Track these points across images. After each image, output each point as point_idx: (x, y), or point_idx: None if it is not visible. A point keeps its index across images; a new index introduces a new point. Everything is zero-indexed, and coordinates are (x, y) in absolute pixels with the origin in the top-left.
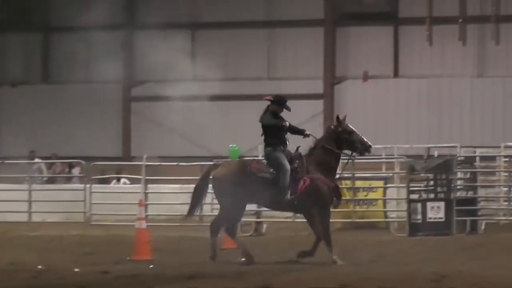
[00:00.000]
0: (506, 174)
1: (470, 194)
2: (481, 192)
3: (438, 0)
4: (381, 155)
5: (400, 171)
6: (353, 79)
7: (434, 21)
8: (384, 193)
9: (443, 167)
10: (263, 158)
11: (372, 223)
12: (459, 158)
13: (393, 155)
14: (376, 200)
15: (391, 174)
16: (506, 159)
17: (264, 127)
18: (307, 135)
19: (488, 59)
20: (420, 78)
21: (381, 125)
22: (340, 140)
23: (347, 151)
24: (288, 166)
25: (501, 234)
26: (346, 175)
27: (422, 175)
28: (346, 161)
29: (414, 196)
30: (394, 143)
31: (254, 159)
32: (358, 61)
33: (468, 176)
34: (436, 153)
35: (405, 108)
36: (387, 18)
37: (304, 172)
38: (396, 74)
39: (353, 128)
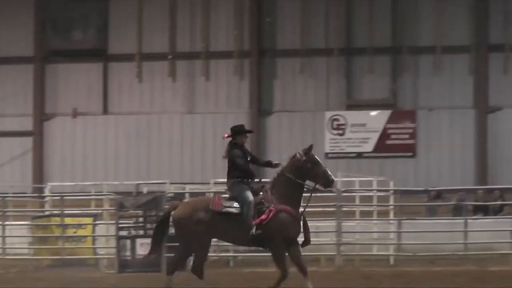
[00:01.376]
0: None
1: None
2: None
3: (148, 37)
4: (90, 192)
5: (109, 208)
6: (63, 116)
7: (144, 57)
8: (94, 230)
9: (153, 204)
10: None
11: (82, 260)
12: (168, 195)
13: (102, 192)
14: (86, 237)
15: (100, 211)
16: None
17: (228, 160)
18: (277, 165)
19: (198, 95)
20: (129, 115)
21: (91, 162)
22: (303, 170)
23: (310, 183)
24: (251, 198)
25: (209, 270)
26: (55, 211)
27: (131, 211)
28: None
29: (124, 233)
30: (103, 180)
31: (216, 195)
32: (67, 98)
33: None
34: (145, 190)
35: (115, 144)
36: (97, 55)
37: (269, 204)
38: (105, 110)
39: (319, 160)
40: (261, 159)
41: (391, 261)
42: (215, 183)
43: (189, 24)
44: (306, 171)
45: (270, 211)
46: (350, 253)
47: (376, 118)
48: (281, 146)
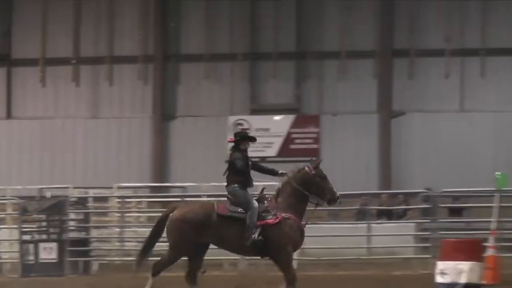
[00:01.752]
0: (119, 214)
1: (83, 234)
2: (94, 233)
3: (52, 41)
4: None
5: (13, 212)
6: None
7: (48, 62)
8: None
9: (56, 208)
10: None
11: None
12: (71, 199)
13: (5, 196)
14: None
15: (3, 215)
16: (119, 200)
17: (229, 164)
18: (282, 174)
19: (102, 100)
20: (33, 119)
21: None
22: (311, 184)
23: (315, 198)
24: (256, 205)
25: (114, 275)
26: None
27: (34, 216)
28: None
29: (27, 237)
30: (6, 185)
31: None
32: None
33: (81, 216)
34: (49, 194)
35: (18, 149)
36: (0, 59)
37: (276, 211)
38: (9, 115)
39: (326, 175)
40: (265, 166)
41: (295, 265)
42: (119, 187)
43: (93, 28)
44: (314, 185)
45: (277, 217)
46: (253, 257)
47: (280, 122)
48: (185, 150)
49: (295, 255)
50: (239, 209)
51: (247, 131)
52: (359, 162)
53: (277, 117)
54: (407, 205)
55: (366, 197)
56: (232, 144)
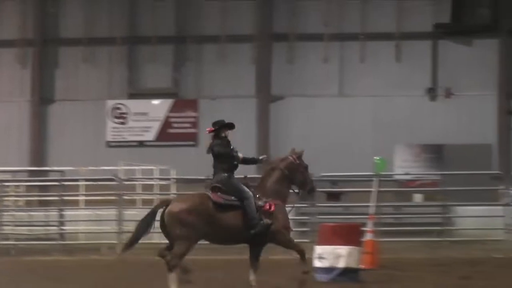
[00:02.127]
0: None
1: None
2: None
3: None
4: None
5: None
6: None
7: None
8: None
9: None
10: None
11: None
12: None
13: None
14: None
15: None
16: None
17: (218, 155)
18: (263, 159)
19: None
20: None
21: None
22: (296, 172)
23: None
24: (250, 193)
25: None
26: None
27: None
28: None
29: None
30: None
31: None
32: None
33: None
34: None
35: None
36: None
37: (266, 198)
38: None
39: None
40: (247, 157)
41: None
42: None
43: None
44: (298, 174)
45: (270, 204)
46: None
47: (159, 107)
48: (63, 134)
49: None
50: (232, 197)
51: (223, 119)
52: (237, 147)
53: (155, 101)
54: None
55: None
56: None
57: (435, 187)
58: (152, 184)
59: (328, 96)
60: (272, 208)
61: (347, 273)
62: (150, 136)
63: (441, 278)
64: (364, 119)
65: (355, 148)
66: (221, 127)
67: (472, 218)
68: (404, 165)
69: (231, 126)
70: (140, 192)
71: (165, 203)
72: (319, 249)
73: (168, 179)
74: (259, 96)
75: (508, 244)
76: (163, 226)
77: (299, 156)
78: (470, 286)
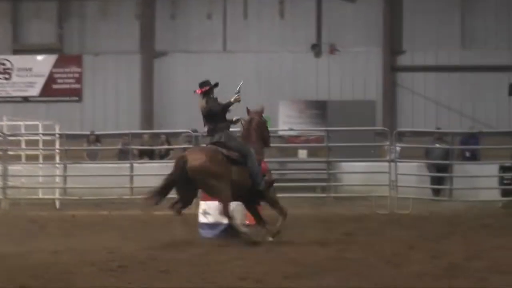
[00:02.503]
0: None
1: None
2: None
3: None
4: None
5: None
6: None
7: None
8: None
9: None
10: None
11: None
12: None
13: None
14: None
15: None
16: None
17: (217, 114)
18: (238, 121)
19: None
20: None
21: None
22: (264, 131)
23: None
24: (251, 149)
25: None
26: None
27: None
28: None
29: None
30: None
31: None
32: None
33: None
34: None
35: None
36: None
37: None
38: None
39: None
40: None
41: (57, 205)
42: None
43: None
44: (265, 132)
45: (264, 163)
46: (16, 196)
47: (42, 62)
48: None
49: (55, 194)
50: (236, 153)
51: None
52: (121, 103)
53: (39, 57)
54: (169, 145)
55: (126, 137)
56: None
57: (319, 143)
58: (37, 140)
59: (212, 52)
60: (265, 165)
61: (232, 229)
62: (34, 91)
63: (324, 234)
64: (248, 75)
65: (239, 105)
66: (211, 88)
67: (356, 174)
68: (289, 121)
69: (216, 85)
70: (25, 147)
71: (184, 158)
72: (203, 205)
73: (53, 134)
74: (143, 52)
75: (393, 200)
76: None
77: (262, 113)
78: (353, 242)
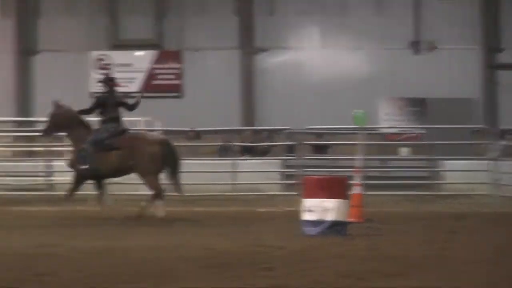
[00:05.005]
0: None
1: None
2: None
3: None
4: None
5: None
6: None
7: None
8: None
9: None
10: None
11: None
12: None
13: None
14: None
15: None
16: None
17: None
18: None
19: None
20: None
21: None
22: None
23: None
24: None
25: None
26: None
27: None
28: None
29: None
30: None
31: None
32: None
33: None
34: None
35: None
36: None
37: None
38: None
39: None
40: None
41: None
42: None
43: None
44: None
45: None
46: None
47: (142, 58)
48: (49, 85)
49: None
50: None
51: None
52: (221, 99)
53: (139, 53)
54: (270, 142)
55: (228, 133)
56: None
57: (419, 141)
58: None
59: (310, 49)
60: None
61: (335, 226)
62: (134, 87)
63: (426, 232)
64: (346, 72)
65: (338, 102)
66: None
67: (457, 172)
68: (388, 118)
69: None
70: None
71: None
72: (307, 202)
73: (155, 130)
74: (243, 48)
75: (494, 199)
76: None
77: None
78: (455, 240)
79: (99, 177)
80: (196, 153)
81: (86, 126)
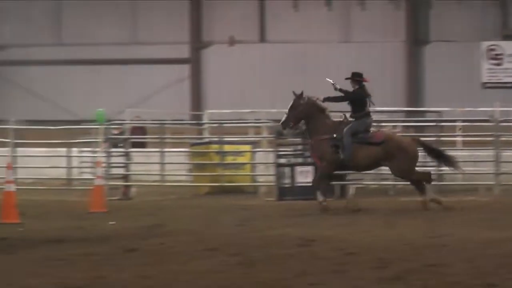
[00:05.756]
0: None
1: None
2: None
3: None
4: (248, 120)
5: (268, 136)
6: (219, 44)
7: None
8: (253, 158)
9: None
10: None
11: (240, 187)
12: None
13: (260, 120)
14: (244, 164)
15: (259, 139)
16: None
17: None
18: None
19: (354, 24)
20: (285, 43)
21: (247, 89)
22: None
23: None
24: None
25: (369, 198)
26: (214, 139)
27: (289, 139)
28: None
29: (283, 161)
30: (260, 108)
31: None
32: (224, 26)
33: None
34: None
35: (271, 72)
36: None
37: None
38: (262, 39)
39: None
40: None
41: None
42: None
43: None
44: None
45: None
46: (508, 183)
47: None
48: (438, 75)
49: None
50: None
51: None
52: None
53: None
54: None
55: None
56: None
57: None
58: None
59: None
60: None
61: None
62: None
63: None
64: None
65: None
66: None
67: None
68: None
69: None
70: None
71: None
72: None
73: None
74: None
75: None
76: None
77: None
78: None
79: (347, 169)
80: None
81: (326, 117)
